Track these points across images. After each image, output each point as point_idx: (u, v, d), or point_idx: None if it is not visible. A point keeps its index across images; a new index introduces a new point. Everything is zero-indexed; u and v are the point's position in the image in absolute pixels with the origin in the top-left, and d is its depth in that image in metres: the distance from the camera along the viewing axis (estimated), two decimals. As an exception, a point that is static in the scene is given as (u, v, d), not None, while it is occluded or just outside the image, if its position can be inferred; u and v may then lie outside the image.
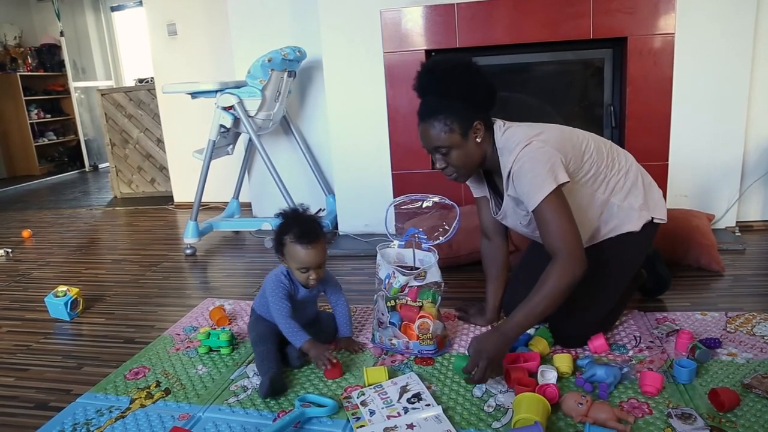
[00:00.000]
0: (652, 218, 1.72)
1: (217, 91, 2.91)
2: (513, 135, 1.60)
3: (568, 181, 1.54)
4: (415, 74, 1.62)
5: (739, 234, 2.69)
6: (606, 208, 1.68)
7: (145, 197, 4.84)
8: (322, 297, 1.87)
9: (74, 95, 6.64)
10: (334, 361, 1.64)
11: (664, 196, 2.64)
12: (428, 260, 1.77)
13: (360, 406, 1.48)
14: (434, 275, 1.73)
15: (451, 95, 1.57)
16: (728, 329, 1.78)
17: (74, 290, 2.30)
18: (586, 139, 1.68)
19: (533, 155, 1.54)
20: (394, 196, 2.90)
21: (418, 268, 1.74)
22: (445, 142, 1.58)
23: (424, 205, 1.87)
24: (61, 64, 6.64)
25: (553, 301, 1.48)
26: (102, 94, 4.85)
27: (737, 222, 2.76)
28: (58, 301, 2.26)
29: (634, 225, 1.68)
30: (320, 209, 3.33)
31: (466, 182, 1.81)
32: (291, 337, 1.67)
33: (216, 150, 3.01)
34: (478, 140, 1.61)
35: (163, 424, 1.48)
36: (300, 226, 1.67)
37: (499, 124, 1.65)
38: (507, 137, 1.61)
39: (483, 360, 1.45)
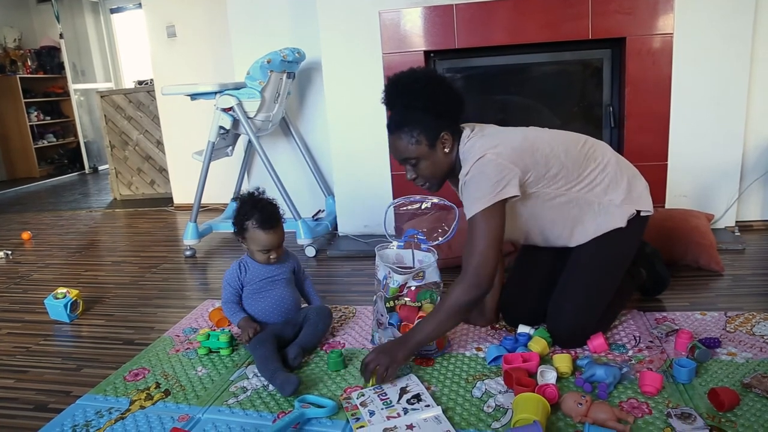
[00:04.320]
0: (638, 211, 1.71)
1: (216, 93, 2.91)
2: (473, 146, 1.63)
3: (516, 196, 1.56)
4: (383, 88, 1.66)
5: (739, 234, 2.69)
6: (586, 207, 1.68)
7: (144, 199, 4.84)
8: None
9: (74, 97, 6.64)
10: (257, 330, 1.77)
11: (664, 196, 2.66)
12: (427, 260, 1.77)
13: (359, 406, 1.48)
14: (433, 275, 1.73)
15: (416, 107, 1.60)
16: (728, 329, 1.78)
17: (74, 292, 2.30)
18: (552, 143, 1.67)
19: (483, 168, 1.57)
20: (394, 197, 2.90)
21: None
22: (413, 154, 1.62)
23: (423, 207, 1.88)
24: (61, 67, 6.64)
25: (454, 316, 1.57)
26: (101, 96, 4.85)
27: (737, 222, 2.76)
28: (57, 302, 2.26)
29: (619, 221, 1.68)
30: (319, 210, 3.33)
31: (452, 187, 1.81)
32: (230, 317, 1.85)
33: (215, 151, 3.01)
34: (446, 150, 1.64)
35: (162, 425, 1.48)
36: (260, 212, 1.79)
37: (466, 133, 1.67)
38: (467, 148, 1.64)
39: (383, 363, 1.53)
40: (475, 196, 1.56)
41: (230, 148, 3.23)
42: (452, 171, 1.69)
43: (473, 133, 1.66)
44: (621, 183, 1.71)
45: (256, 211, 1.79)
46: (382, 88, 1.68)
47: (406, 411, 1.44)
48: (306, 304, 1.99)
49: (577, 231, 1.71)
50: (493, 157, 1.57)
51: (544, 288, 1.80)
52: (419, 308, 1.72)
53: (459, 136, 1.66)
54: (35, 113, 6.54)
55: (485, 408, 1.45)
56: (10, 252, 3.36)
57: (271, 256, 1.83)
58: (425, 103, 1.60)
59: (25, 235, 3.71)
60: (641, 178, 1.79)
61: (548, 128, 1.77)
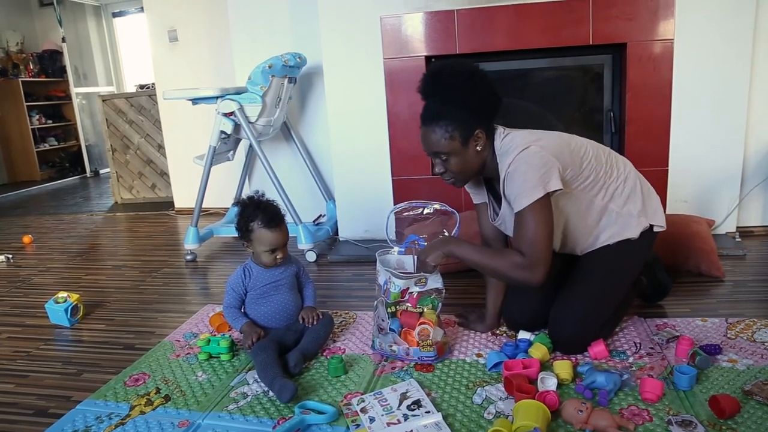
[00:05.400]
0: (651, 225, 1.72)
1: (217, 98, 2.92)
2: (512, 140, 1.61)
3: (559, 189, 1.54)
4: (421, 76, 1.63)
5: (740, 239, 2.69)
6: (605, 215, 1.69)
7: (145, 203, 4.85)
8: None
9: (75, 101, 6.65)
10: (261, 336, 1.77)
11: (664, 201, 2.65)
12: (428, 266, 1.77)
13: (360, 413, 1.47)
14: (435, 281, 1.73)
15: (454, 102, 1.57)
16: (728, 335, 1.78)
17: (74, 296, 2.30)
18: (585, 145, 1.69)
19: (529, 159, 1.54)
20: (395, 202, 2.90)
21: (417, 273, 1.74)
22: (445, 149, 1.59)
23: (424, 212, 1.87)
24: (63, 70, 6.66)
25: (493, 273, 1.65)
26: (103, 100, 4.86)
27: (737, 227, 2.76)
28: (58, 307, 2.26)
29: (633, 232, 1.69)
30: (320, 215, 3.33)
31: (466, 188, 1.82)
32: (232, 323, 1.86)
33: (216, 156, 3.02)
34: (479, 148, 1.61)
35: (162, 431, 1.48)
36: (264, 212, 1.80)
37: (499, 131, 1.66)
38: (506, 142, 1.62)
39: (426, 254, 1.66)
40: (525, 187, 1.53)
41: (231, 152, 3.23)
42: (481, 169, 1.68)
43: (508, 130, 1.66)
44: (639, 196, 1.72)
45: (259, 211, 1.80)
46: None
47: (406, 417, 1.44)
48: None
49: (592, 237, 1.71)
50: (537, 149, 1.55)
51: (547, 294, 1.79)
52: (420, 314, 1.72)
53: (492, 134, 1.65)
54: (37, 116, 6.55)
55: (485, 414, 1.45)
56: (11, 255, 3.36)
57: (278, 256, 1.83)
58: (464, 99, 1.56)
59: (26, 239, 3.71)
60: (656, 194, 1.80)
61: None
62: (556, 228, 1.69)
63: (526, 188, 1.52)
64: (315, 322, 1.86)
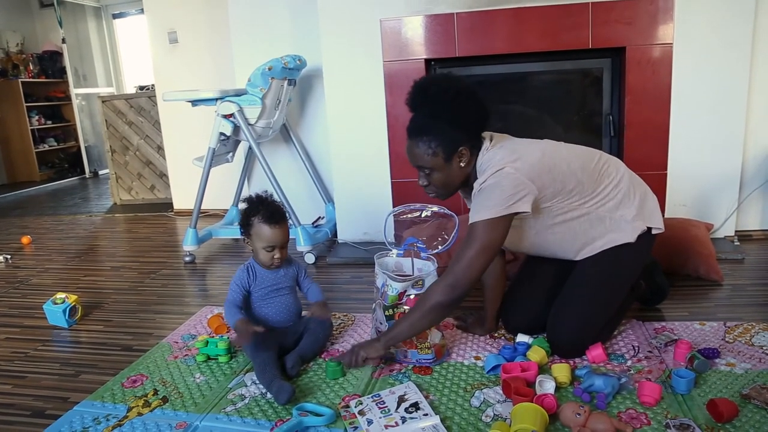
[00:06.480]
0: (649, 228, 1.72)
1: (217, 99, 2.92)
2: (492, 158, 1.61)
3: (526, 212, 1.55)
4: (409, 89, 1.64)
5: (738, 243, 2.69)
6: (597, 223, 1.68)
7: (144, 204, 4.84)
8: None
9: (75, 102, 6.65)
10: (257, 330, 1.72)
11: (663, 205, 2.66)
12: (427, 269, 1.77)
13: (358, 415, 1.47)
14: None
15: (440, 118, 1.58)
16: (727, 339, 1.78)
17: (73, 297, 2.30)
18: (570, 157, 1.67)
19: (499, 180, 1.55)
20: (394, 205, 2.91)
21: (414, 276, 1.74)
22: (428, 164, 1.60)
23: (423, 215, 1.87)
24: (63, 71, 6.66)
25: (428, 315, 1.58)
26: (103, 101, 4.86)
27: (736, 231, 2.76)
28: (56, 308, 2.25)
29: (629, 236, 1.69)
30: (319, 217, 3.33)
31: (461, 194, 1.81)
32: (228, 318, 1.80)
33: (216, 158, 3.02)
34: (462, 165, 1.63)
35: (160, 432, 1.47)
36: (266, 208, 1.81)
37: (485, 146, 1.65)
38: (487, 159, 1.62)
39: (357, 354, 1.61)
40: (486, 204, 1.54)
41: (230, 154, 3.24)
42: (465, 182, 1.68)
43: (491, 144, 1.65)
44: (634, 199, 1.71)
45: (262, 207, 1.81)
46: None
47: (404, 420, 1.44)
48: (306, 314, 1.97)
49: (588, 246, 1.71)
50: (512, 170, 1.56)
51: (546, 298, 1.79)
52: (418, 316, 1.71)
53: (478, 149, 1.65)
54: (36, 117, 6.55)
55: (483, 417, 1.45)
56: (9, 256, 3.36)
57: (275, 256, 1.81)
58: (450, 116, 1.57)
59: (25, 240, 3.71)
60: (653, 195, 1.80)
61: (563, 142, 1.76)
62: (541, 242, 1.72)
63: (487, 205, 1.54)
64: (324, 316, 1.88)
